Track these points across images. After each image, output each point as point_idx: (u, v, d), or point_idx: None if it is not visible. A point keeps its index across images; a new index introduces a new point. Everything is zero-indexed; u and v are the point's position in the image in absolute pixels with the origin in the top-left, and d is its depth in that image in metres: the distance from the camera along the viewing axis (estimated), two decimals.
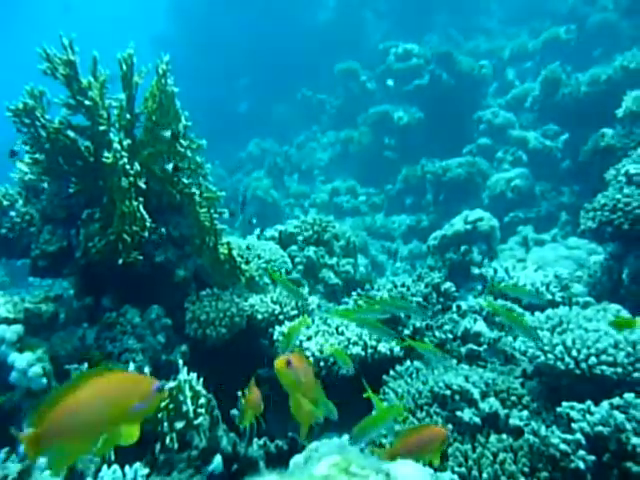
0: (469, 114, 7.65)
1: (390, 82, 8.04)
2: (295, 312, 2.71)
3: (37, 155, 2.51)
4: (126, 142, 2.41)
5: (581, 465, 1.58)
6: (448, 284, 2.79)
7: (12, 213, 2.69)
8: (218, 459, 1.79)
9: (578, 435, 1.63)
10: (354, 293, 2.97)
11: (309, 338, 2.43)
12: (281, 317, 2.66)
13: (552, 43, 8.30)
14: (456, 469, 1.68)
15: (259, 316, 2.66)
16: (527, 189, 5.96)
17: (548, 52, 8.11)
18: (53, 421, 0.91)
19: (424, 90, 8.14)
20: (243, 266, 2.86)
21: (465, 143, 7.32)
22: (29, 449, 0.91)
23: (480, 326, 2.66)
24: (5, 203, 2.73)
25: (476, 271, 3.67)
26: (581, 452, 1.60)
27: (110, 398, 0.96)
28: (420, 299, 2.59)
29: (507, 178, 6.12)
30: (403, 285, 2.67)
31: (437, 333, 2.53)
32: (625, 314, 2.31)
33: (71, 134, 2.48)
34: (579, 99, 5.86)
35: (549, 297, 3.11)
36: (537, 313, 2.33)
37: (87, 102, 2.40)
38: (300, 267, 3.46)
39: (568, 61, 7.03)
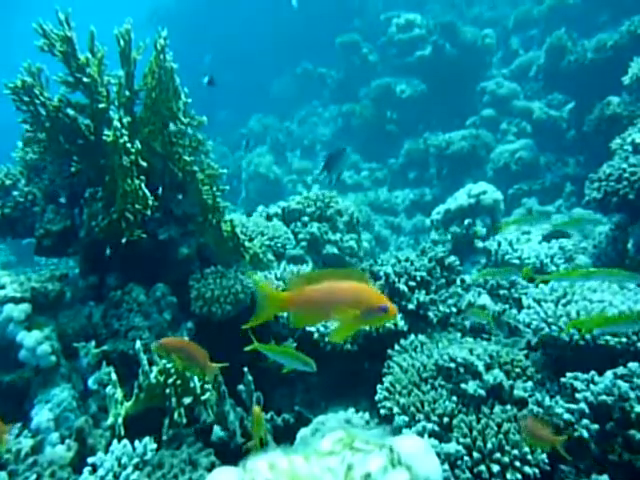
0: (473, 85, 7.54)
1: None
2: None
3: (38, 134, 2.50)
4: (126, 120, 2.39)
5: (585, 434, 1.60)
6: (452, 258, 2.79)
7: (15, 193, 2.69)
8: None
9: (582, 405, 1.65)
10: (358, 268, 2.97)
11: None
12: None
13: (558, 9, 8.09)
14: (461, 440, 1.70)
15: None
16: (531, 160, 5.91)
17: (554, 19, 7.91)
18: (304, 292, 1.19)
19: (427, 61, 8.01)
20: (247, 243, 2.86)
21: (469, 115, 7.23)
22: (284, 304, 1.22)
23: (484, 299, 2.67)
24: (7, 182, 2.72)
25: (480, 244, 3.66)
26: (585, 421, 1.62)
27: (346, 300, 1.17)
28: (424, 274, 2.58)
29: (511, 150, 6.06)
30: (407, 260, 2.66)
31: (441, 307, 2.54)
32: (630, 285, 2.31)
33: (71, 112, 2.46)
34: (585, 66, 5.74)
35: (554, 269, 3.11)
36: (541, 285, 2.33)
37: (86, 79, 2.37)
38: (303, 243, 3.46)
39: (574, 27, 6.85)
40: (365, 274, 1.14)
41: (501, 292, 2.82)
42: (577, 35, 6.59)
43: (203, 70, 2.34)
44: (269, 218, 3.62)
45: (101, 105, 2.40)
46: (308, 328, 2.37)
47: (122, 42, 2.43)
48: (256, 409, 1.69)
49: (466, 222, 3.77)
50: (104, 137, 2.31)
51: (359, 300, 1.16)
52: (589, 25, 7.16)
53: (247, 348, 1.81)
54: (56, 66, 2.41)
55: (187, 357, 1.77)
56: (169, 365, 1.90)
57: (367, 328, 2.35)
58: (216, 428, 1.86)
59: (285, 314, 2.49)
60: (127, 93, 2.50)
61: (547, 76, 6.46)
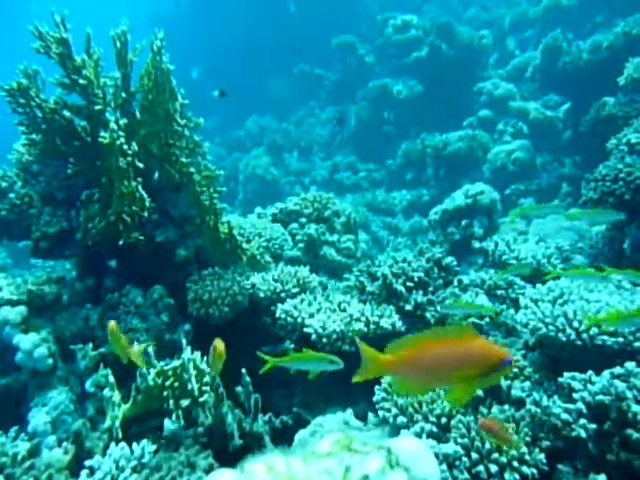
0: (469, 86, 7.55)
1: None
2: (297, 290, 2.72)
3: (34, 136, 2.49)
4: (123, 121, 2.39)
5: (582, 433, 1.60)
6: (449, 259, 2.79)
7: (11, 195, 2.68)
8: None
9: (579, 404, 1.65)
10: (355, 269, 2.97)
11: (312, 315, 2.44)
12: (283, 295, 2.67)
13: (553, 10, 8.12)
14: (459, 440, 1.70)
15: (261, 294, 2.67)
16: (528, 161, 5.92)
17: (549, 20, 7.94)
18: (410, 356, 1.05)
19: (423, 62, 8.02)
20: (244, 245, 2.86)
21: (465, 115, 7.25)
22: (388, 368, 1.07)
23: (481, 300, 2.67)
24: (4, 185, 2.72)
25: (477, 245, 3.67)
26: (582, 421, 1.62)
27: (463, 362, 1.04)
28: (422, 274, 2.59)
29: (508, 150, 6.07)
30: (404, 260, 2.67)
31: (439, 308, 2.54)
32: (626, 284, 2.32)
33: (67, 114, 2.45)
34: (580, 67, 5.76)
35: (550, 269, 3.12)
36: (538, 285, 2.33)
37: (82, 81, 2.37)
38: (301, 245, 3.46)
39: (570, 28, 6.89)
40: (472, 328, 0.99)
41: (498, 292, 2.82)
42: (572, 36, 6.62)
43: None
44: (275, 220, 3.61)
45: (97, 107, 2.40)
46: (306, 329, 2.36)
47: (118, 44, 2.43)
48: (219, 344, 1.66)
49: (463, 223, 3.77)
50: (100, 139, 2.30)
51: (479, 361, 1.05)
52: (584, 26, 7.20)
53: (263, 370, 1.81)
54: (53, 68, 2.41)
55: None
56: (167, 367, 1.89)
57: (366, 330, 2.35)
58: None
59: (282, 315, 2.49)
60: (123, 95, 2.50)
61: (543, 77, 6.47)
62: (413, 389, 1.18)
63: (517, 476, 1.58)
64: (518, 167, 5.89)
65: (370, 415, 2.05)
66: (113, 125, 2.30)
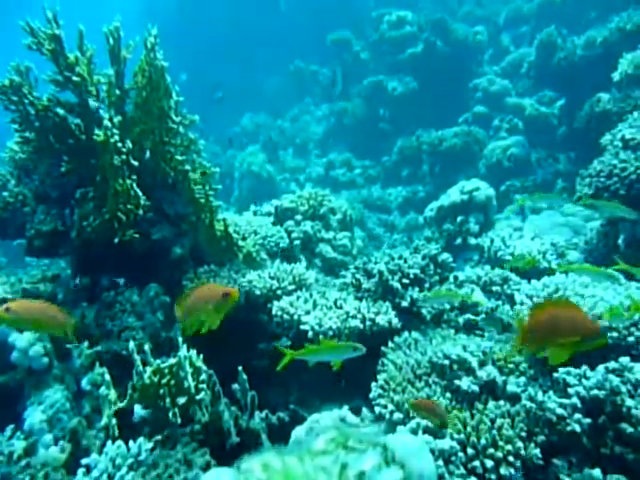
0: (464, 82, 7.56)
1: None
2: (293, 287, 2.72)
3: (27, 134, 2.48)
4: (117, 119, 2.38)
5: (577, 428, 1.61)
6: (445, 255, 2.80)
7: (5, 193, 2.66)
8: None
9: (574, 399, 1.66)
10: (351, 266, 2.97)
11: (308, 312, 2.44)
12: (279, 292, 2.67)
13: (548, 6, 8.14)
14: (455, 436, 1.71)
15: (257, 292, 2.67)
16: (523, 157, 5.94)
17: (544, 15, 7.96)
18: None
19: (418, 59, 8.02)
20: (240, 242, 2.86)
21: (461, 112, 7.25)
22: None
23: (477, 296, 2.68)
24: None
25: (473, 241, 3.68)
26: (577, 415, 1.63)
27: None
28: (418, 271, 2.59)
29: (503, 146, 6.08)
30: (400, 257, 2.67)
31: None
32: (621, 279, 2.33)
33: (60, 111, 2.44)
34: (575, 63, 5.78)
35: (545, 265, 3.13)
36: (534, 281, 2.34)
37: (75, 78, 2.35)
38: (297, 242, 3.46)
39: (564, 24, 6.90)
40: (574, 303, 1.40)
41: (494, 288, 2.83)
42: (567, 32, 6.63)
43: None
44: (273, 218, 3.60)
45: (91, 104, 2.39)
46: (302, 327, 2.37)
47: (111, 40, 2.42)
48: (234, 292, 1.66)
49: (459, 219, 3.78)
50: (95, 137, 2.29)
51: (582, 328, 1.35)
52: (579, 22, 7.20)
53: (280, 366, 1.78)
54: (46, 65, 2.39)
55: (41, 317, 1.71)
56: (163, 365, 1.89)
57: (362, 327, 2.35)
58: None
59: (278, 312, 2.49)
60: (117, 92, 2.49)
61: (538, 73, 6.49)
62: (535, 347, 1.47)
63: (513, 471, 1.59)
64: (513, 163, 5.90)
65: (366, 411, 2.06)
66: (107, 123, 2.29)
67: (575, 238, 3.49)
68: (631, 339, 1.86)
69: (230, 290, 1.65)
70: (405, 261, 2.64)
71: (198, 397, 1.86)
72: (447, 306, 2.55)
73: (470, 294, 2.54)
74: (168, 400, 1.83)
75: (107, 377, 1.94)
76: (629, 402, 1.59)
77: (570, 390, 1.69)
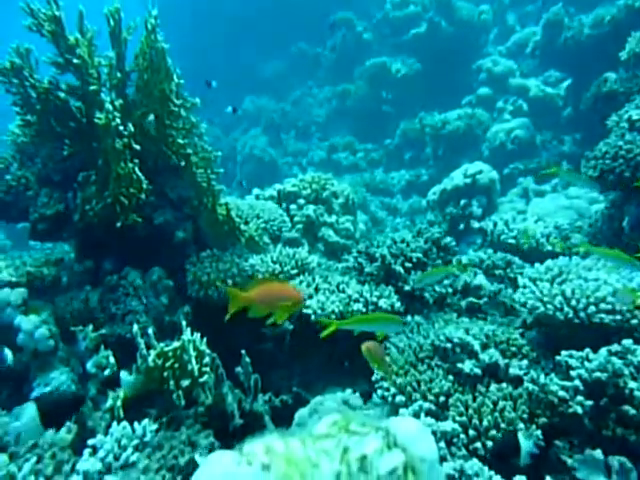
0: (469, 63, 7.46)
1: None
2: (296, 271, 2.72)
3: (28, 117, 2.46)
4: (118, 102, 2.36)
5: (579, 410, 1.62)
6: (448, 239, 2.79)
7: (8, 177, 2.66)
8: None
9: (576, 382, 1.67)
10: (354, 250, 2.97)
11: (310, 296, 2.45)
12: (282, 276, 2.68)
13: None
14: (457, 418, 1.73)
15: (260, 276, 2.68)
16: (528, 139, 5.88)
17: None
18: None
19: (422, 39, 7.91)
20: (242, 226, 2.85)
21: (465, 94, 7.17)
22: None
23: (480, 279, 2.68)
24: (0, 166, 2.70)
25: (476, 225, 3.67)
26: (579, 398, 1.64)
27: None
28: (420, 255, 2.59)
29: (507, 129, 6.03)
30: (403, 241, 2.67)
31: (437, 288, 2.55)
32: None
33: (61, 94, 2.42)
34: (582, 42, 5.68)
35: (549, 248, 3.12)
36: (537, 264, 2.34)
37: (76, 60, 2.33)
38: (299, 226, 3.45)
39: (571, 2, 6.77)
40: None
41: (497, 272, 2.83)
42: (574, 10, 6.51)
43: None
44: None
45: (92, 87, 2.36)
46: (305, 310, 2.37)
47: (112, 22, 2.39)
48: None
49: (462, 202, 3.77)
50: (96, 120, 2.28)
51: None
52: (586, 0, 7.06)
53: (325, 333, 1.75)
54: (47, 48, 2.37)
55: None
56: (167, 349, 1.91)
57: (365, 310, 2.36)
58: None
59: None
60: (118, 75, 2.47)
61: (544, 53, 6.39)
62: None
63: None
64: (517, 146, 5.85)
65: (369, 394, 2.07)
66: (108, 106, 2.27)
67: (579, 221, 3.48)
68: (634, 322, 1.86)
69: (300, 296, 1.68)
70: (408, 245, 2.63)
71: (202, 380, 1.87)
72: (445, 283, 2.55)
73: (457, 265, 2.55)
74: (172, 382, 1.85)
75: (112, 360, 1.96)
76: (631, 384, 1.60)
77: (572, 372, 1.70)
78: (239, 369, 1.99)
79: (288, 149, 8.97)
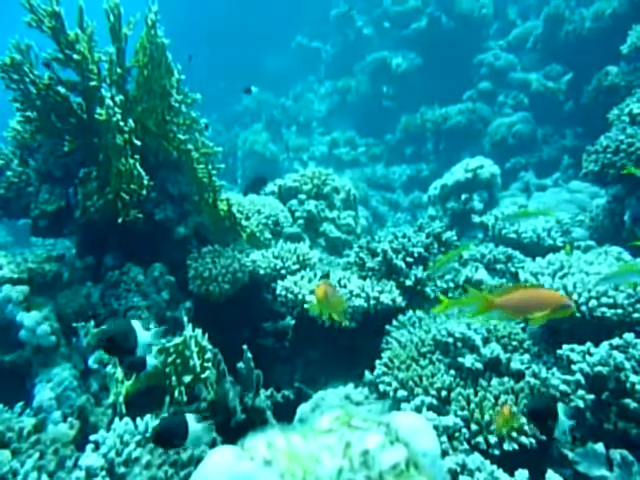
0: (469, 58, 7.43)
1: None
2: (297, 266, 2.72)
3: (29, 113, 2.46)
4: (119, 98, 2.35)
5: (580, 404, 1.62)
6: (449, 233, 2.79)
7: (8, 173, 2.66)
8: None
9: (578, 376, 1.67)
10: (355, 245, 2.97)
11: (312, 292, 2.45)
12: (283, 272, 2.68)
13: None
14: (459, 413, 1.73)
15: (261, 271, 2.68)
16: (529, 134, 5.87)
17: None
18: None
19: (423, 34, 7.87)
20: (243, 222, 2.85)
21: (466, 88, 7.15)
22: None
23: (481, 274, 2.68)
24: (0, 163, 2.69)
25: (477, 219, 3.66)
26: (580, 392, 1.64)
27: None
28: (422, 250, 2.59)
29: (508, 123, 6.01)
30: (404, 236, 2.66)
31: (439, 282, 2.55)
32: (626, 256, 2.32)
33: (62, 90, 2.42)
34: (583, 36, 5.66)
35: (550, 242, 3.12)
36: (538, 258, 2.34)
37: (76, 56, 2.32)
38: (300, 221, 3.45)
39: None
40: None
41: (498, 267, 2.83)
42: (575, 4, 6.47)
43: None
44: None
45: (92, 83, 2.36)
46: (306, 305, 2.38)
47: (112, 17, 2.38)
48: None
49: (463, 197, 3.76)
50: (97, 116, 2.27)
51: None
52: None
53: (438, 309, 1.82)
54: (47, 43, 2.36)
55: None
56: (169, 344, 1.91)
57: (366, 305, 2.36)
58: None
59: (282, 291, 2.50)
60: (119, 70, 2.46)
61: (545, 47, 6.37)
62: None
63: (516, 446, 1.61)
64: (519, 140, 5.83)
65: (371, 389, 2.07)
66: (109, 102, 2.26)
67: (581, 215, 3.47)
68: (636, 315, 1.86)
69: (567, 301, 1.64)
70: (409, 240, 2.63)
71: (203, 375, 1.88)
72: (446, 278, 2.56)
73: (466, 247, 2.58)
74: (174, 378, 1.85)
75: None
76: (633, 378, 1.60)
77: (574, 367, 1.70)
78: (241, 364, 2.00)
79: (289, 144, 8.95)
